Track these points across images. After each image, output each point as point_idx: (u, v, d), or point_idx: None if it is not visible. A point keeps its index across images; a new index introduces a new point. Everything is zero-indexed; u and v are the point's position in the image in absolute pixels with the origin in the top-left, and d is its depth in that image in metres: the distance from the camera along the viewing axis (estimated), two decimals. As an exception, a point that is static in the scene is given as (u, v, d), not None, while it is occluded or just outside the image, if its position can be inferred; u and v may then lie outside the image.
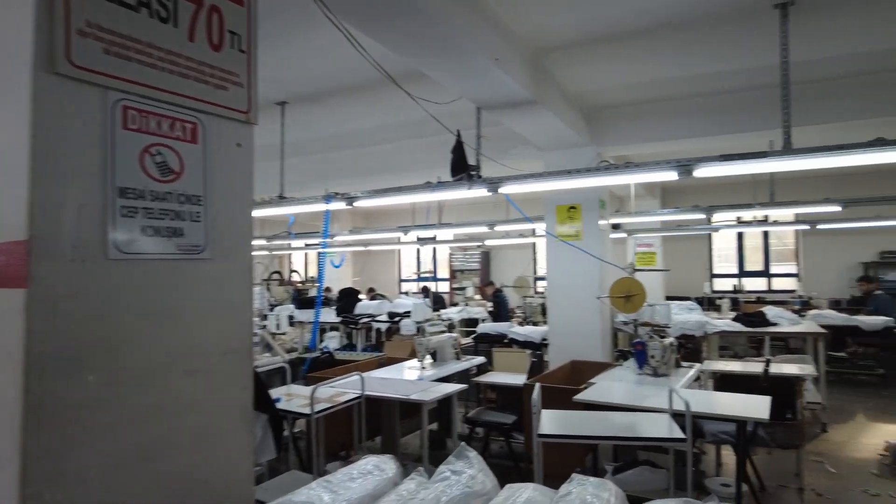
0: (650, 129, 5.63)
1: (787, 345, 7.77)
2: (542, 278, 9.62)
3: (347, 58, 4.45)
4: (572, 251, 5.53)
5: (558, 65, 4.65)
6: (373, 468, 2.03)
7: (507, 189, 4.27)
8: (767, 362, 3.74)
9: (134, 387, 1.32)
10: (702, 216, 6.75)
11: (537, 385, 2.84)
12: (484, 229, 7.72)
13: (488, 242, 9.84)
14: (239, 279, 1.62)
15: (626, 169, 4.02)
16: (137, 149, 1.38)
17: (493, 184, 4.25)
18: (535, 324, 6.74)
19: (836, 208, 5.81)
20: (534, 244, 11.59)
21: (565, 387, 3.59)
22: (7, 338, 1.15)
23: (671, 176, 3.84)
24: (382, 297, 10.14)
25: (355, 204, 4.84)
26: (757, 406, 3.04)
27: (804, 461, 3.96)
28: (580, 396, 3.25)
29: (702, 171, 3.81)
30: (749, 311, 6.91)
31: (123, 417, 1.29)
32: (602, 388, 3.49)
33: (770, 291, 9.97)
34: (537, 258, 11.94)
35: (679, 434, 2.65)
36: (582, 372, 4.54)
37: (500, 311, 9.11)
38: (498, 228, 7.57)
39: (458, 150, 4.38)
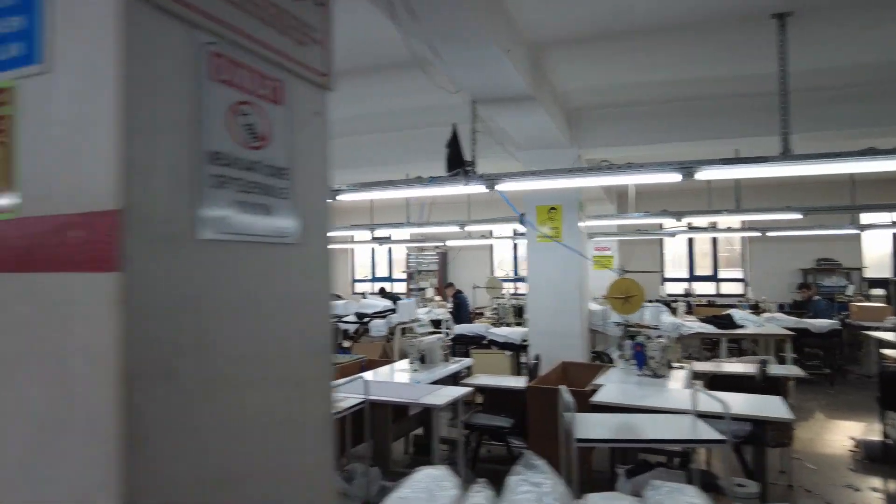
0: (632, 133, 5.67)
1: (739, 346, 8.09)
2: (506, 280, 9.61)
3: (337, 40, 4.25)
4: (553, 251, 5.48)
5: (550, 62, 4.58)
6: (432, 483, 1.83)
7: (505, 186, 4.15)
8: (763, 363, 3.80)
9: (222, 396, 1.07)
10: (658, 221, 6.91)
11: (563, 388, 2.71)
12: (442, 229, 7.57)
13: (450, 243, 9.69)
14: (321, 268, 1.38)
15: (628, 169, 3.99)
16: (226, 106, 1.13)
17: (491, 180, 4.11)
18: (507, 325, 6.65)
19: (798, 216, 6.08)
20: (491, 245, 11.57)
21: (577, 389, 3.49)
22: (96, 336, 0.88)
23: (674, 178, 3.84)
24: (338, 297, 9.79)
25: (338, 198, 4.57)
26: (770, 406, 3.06)
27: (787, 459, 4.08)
28: (597, 398, 3.16)
29: (703, 174, 3.83)
30: (714, 314, 7.12)
31: (212, 434, 1.05)
32: (613, 390, 3.43)
33: (719, 295, 10.41)
34: (494, 259, 11.92)
35: (709, 435, 2.61)
36: (575, 373, 4.47)
37: (461, 313, 9.01)
38: (468, 228, 7.44)
39: (454, 145, 4.21)
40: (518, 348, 5.80)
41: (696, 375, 4.56)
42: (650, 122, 5.64)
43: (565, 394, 2.65)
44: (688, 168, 3.85)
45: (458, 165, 4.18)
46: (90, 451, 0.90)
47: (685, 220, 8.90)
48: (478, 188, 4.11)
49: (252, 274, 1.16)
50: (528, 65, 4.06)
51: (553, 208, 5.64)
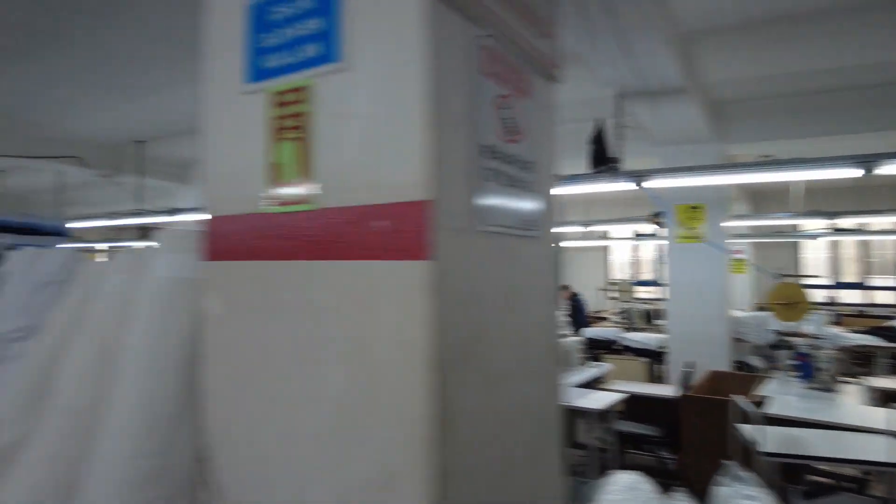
0: (781, 127, 5.24)
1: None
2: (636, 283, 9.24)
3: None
4: (694, 253, 5.19)
5: (698, 52, 4.32)
6: (631, 488, 1.76)
7: (654, 183, 3.97)
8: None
9: (500, 384, 1.08)
10: (795, 222, 6.30)
11: (741, 398, 2.53)
12: (562, 229, 7.39)
13: (564, 244, 9.50)
14: (553, 263, 1.37)
15: (797, 165, 3.67)
16: (492, 99, 1.14)
17: (639, 177, 3.95)
18: (636, 329, 6.40)
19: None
20: (605, 247, 11.21)
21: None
22: (405, 322, 0.91)
23: (854, 173, 3.48)
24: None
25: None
26: None
27: None
28: (771, 411, 2.93)
29: (888, 169, 3.45)
30: (872, 325, 6.43)
31: (497, 421, 1.06)
32: (784, 403, 3.16)
33: (871, 305, 9.37)
34: (609, 261, 11.55)
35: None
36: (727, 384, 4.18)
37: (578, 316, 8.78)
38: (590, 229, 7.25)
39: (598, 142, 4.11)
40: (654, 354, 5.53)
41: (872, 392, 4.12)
42: (801, 115, 5.17)
43: (744, 405, 2.47)
44: (868, 162, 3.49)
45: (602, 162, 4.07)
46: (396, 433, 0.93)
47: (833, 222, 8.10)
48: (626, 185, 3.98)
49: (511, 266, 1.17)
50: (679, 55, 3.86)
51: (695, 207, 5.34)
